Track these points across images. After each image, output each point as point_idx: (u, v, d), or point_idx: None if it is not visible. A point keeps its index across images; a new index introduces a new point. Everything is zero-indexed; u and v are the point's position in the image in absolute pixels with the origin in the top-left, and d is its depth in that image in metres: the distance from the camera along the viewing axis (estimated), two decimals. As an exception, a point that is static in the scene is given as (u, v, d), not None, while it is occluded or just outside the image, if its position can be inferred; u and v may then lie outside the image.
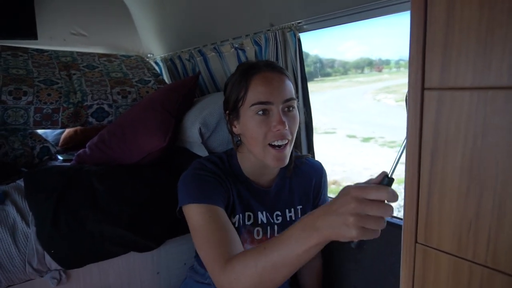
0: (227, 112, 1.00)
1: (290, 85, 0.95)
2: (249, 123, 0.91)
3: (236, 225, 1.00)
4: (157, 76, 1.91)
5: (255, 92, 0.91)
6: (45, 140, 1.60)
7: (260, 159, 0.95)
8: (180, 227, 1.21)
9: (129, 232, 1.14)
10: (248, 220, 1.02)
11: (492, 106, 0.39)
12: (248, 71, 0.94)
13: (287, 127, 0.90)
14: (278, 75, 0.93)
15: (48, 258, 1.06)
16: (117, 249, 1.16)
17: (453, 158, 0.43)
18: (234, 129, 0.99)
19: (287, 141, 0.92)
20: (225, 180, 0.97)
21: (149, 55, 2.35)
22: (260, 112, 0.90)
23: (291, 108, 0.93)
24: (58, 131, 2.09)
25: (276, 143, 0.91)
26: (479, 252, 0.42)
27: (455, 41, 0.41)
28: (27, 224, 1.07)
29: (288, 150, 0.94)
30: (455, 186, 0.43)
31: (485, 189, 0.40)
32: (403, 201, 0.51)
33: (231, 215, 0.98)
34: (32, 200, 1.11)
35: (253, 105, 0.90)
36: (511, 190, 0.38)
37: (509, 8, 0.36)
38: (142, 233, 1.17)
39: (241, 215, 1.00)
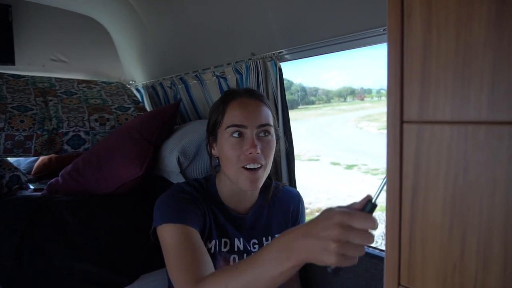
0: (207, 135, 1.03)
1: (266, 112, 0.97)
2: (225, 145, 0.94)
3: (212, 251, 0.98)
4: (138, 103, 1.87)
5: (231, 115, 0.94)
6: (16, 169, 1.53)
7: (234, 182, 0.95)
8: (156, 261, 1.15)
9: (101, 268, 1.08)
10: (225, 247, 1.00)
11: (473, 141, 0.37)
12: (227, 96, 0.98)
13: (259, 151, 0.91)
14: (256, 101, 0.96)
15: (8, 298, 0.98)
16: (86, 286, 1.08)
17: (434, 193, 0.41)
18: (213, 151, 1.02)
19: (260, 165, 0.93)
20: (202, 204, 0.97)
21: (131, 82, 2.32)
22: (235, 135, 0.92)
23: (266, 133, 0.95)
24: (32, 158, 2.01)
25: (248, 166, 0.92)
26: (465, 296, 0.39)
27: (433, 73, 0.39)
28: (-13, 261, 0.99)
29: (261, 174, 0.94)
30: (438, 224, 0.41)
31: (469, 228, 0.38)
32: (384, 239, 0.48)
33: (207, 240, 0.97)
34: (-6, 234, 1.04)
35: (228, 127, 0.93)
36: (497, 230, 0.36)
37: (485, 40, 0.35)
38: (115, 269, 1.10)
39: (217, 240, 0.98)
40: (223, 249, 0.99)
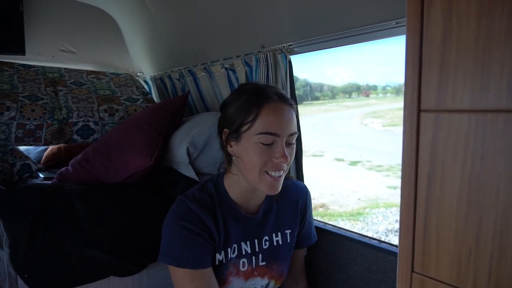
0: (225, 130, 0.97)
1: (295, 118, 0.95)
2: (252, 149, 0.90)
3: (224, 261, 0.98)
4: (146, 94, 1.88)
5: (265, 121, 0.89)
6: (26, 157, 1.55)
7: (253, 185, 0.94)
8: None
9: (110, 255, 1.09)
10: (233, 253, 0.99)
11: (491, 129, 0.37)
12: (259, 97, 0.91)
13: (288, 160, 0.90)
14: (288, 107, 0.93)
15: (21, 282, 0.99)
16: (96, 273, 1.09)
17: (451, 182, 0.41)
18: (230, 149, 0.97)
19: (283, 172, 0.92)
20: (210, 224, 0.94)
21: (139, 74, 2.33)
22: (266, 142, 0.89)
23: (292, 141, 0.94)
24: (42, 148, 2.03)
25: (273, 174, 0.91)
26: (480, 283, 0.40)
27: (452, 61, 0.40)
28: (0, 246, 1.01)
29: (283, 179, 0.94)
30: (453, 211, 0.41)
31: (485, 215, 0.39)
32: (398, 225, 0.48)
33: (216, 252, 0.97)
34: (7, 220, 1.05)
35: (260, 133, 0.88)
36: (514, 217, 0.37)
37: (507, 28, 0.35)
38: (124, 256, 1.11)
39: (226, 250, 0.98)
40: (231, 256, 0.99)
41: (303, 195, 1.12)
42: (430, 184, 0.43)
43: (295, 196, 1.10)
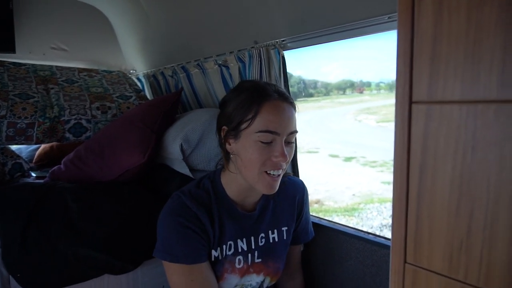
0: (223, 128, 0.96)
1: (295, 117, 0.94)
2: (251, 147, 0.89)
3: (220, 258, 0.97)
4: (139, 91, 1.87)
5: (265, 119, 0.88)
6: (18, 156, 1.53)
7: (250, 184, 0.93)
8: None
9: (104, 253, 1.08)
10: (229, 250, 0.99)
11: (482, 120, 0.38)
12: (259, 95, 0.90)
13: (287, 159, 0.89)
14: (288, 106, 0.92)
15: (13, 282, 0.98)
16: (90, 271, 1.09)
17: (442, 173, 0.42)
18: (228, 147, 0.95)
19: (281, 171, 0.92)
20: (205, 220, 0.93)
21: (131, 71, 2.32)
22: (266, 140, 0.88)
23: (292, 140, 0.93)
24: (34, 146, 2.01)
25: (272, 172, 0.90)
26: (471, 272, 0.40)
27: (443, 53, 0.40)
28: (-7, 245, 1.00)
29: (280, 179, 0.93)
30: (445, 203, 0.42)
31: (476, 205, 0.39)
32: (391, 218, 0.49)
33: (212, 249, 0.97)
34: (-1, 219, 1.04)
35: (260, 131, 0.87)
36: (504, 207, 0.37)
37: (497, 19, 0.36)
38: (118, 254, 1.11)
39: (222, 246, 0.98)
40: (227, 253, 0.98)
41: (300, 191, 1.12)
42: (421, 176, 0.43)
43: (292, 192, 1.10)
